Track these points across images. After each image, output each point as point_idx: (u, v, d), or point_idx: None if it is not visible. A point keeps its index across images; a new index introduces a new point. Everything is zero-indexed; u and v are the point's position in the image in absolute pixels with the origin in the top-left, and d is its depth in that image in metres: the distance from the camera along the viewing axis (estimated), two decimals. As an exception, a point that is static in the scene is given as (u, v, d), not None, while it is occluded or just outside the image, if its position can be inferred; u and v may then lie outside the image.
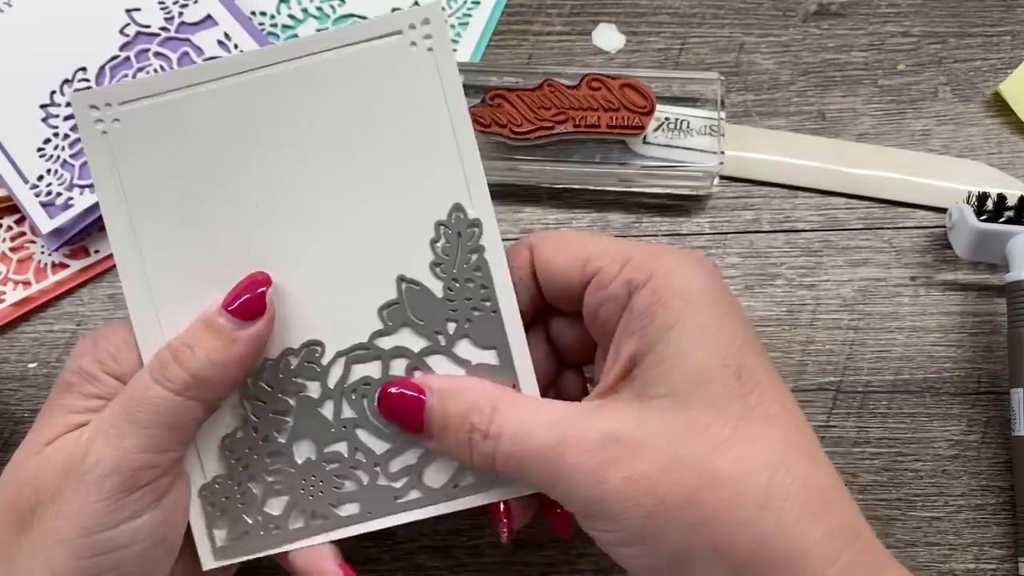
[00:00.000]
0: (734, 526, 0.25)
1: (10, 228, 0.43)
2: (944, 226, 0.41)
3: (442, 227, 0.31)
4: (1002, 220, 0.39)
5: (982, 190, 0.40)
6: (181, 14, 0.43)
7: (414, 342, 0.31)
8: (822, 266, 0.42)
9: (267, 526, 0.31)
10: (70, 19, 0.43)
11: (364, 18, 0.44)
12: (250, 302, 0.30)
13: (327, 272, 0.31)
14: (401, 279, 0.31)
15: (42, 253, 0.42)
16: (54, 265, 0.42)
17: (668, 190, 0.42)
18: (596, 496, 0.26)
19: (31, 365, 0.41)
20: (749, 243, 0.42)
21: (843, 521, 0.26)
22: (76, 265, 0.42)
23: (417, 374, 0.31)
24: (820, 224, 0.42)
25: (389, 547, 0.38)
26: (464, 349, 0.31)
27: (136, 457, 0.28)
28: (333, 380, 0.31)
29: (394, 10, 0.44)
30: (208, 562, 0.31)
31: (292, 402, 0.31)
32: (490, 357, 0.31)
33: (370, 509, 0.31)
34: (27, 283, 0.42)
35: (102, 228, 0.42)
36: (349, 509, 0.31)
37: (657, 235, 0.42)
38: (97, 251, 0.42)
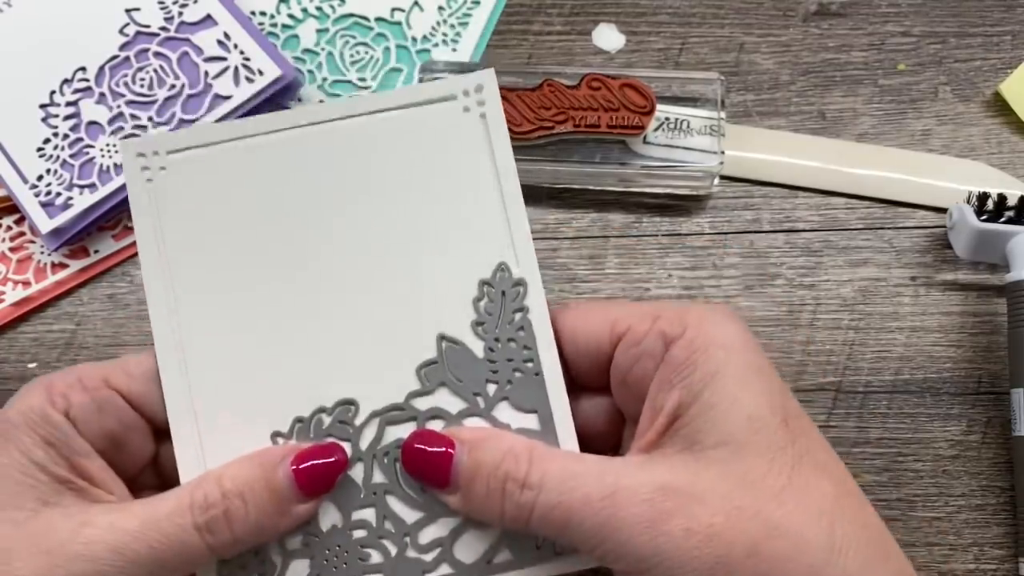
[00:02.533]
0: (801, 574, 0.25)
1: (10, 228, 0.43)
2: (944, 226, 0.41)
3: (486, 286, 0.30)
4: (1002, 220, 0.39)
5: (982, 190, 0.40)
6: (181, 14, 0.43)
7: (452, 403, 0.30)
8: (822, 266, 0.42)
9: None
10: (70, 19, 0.43)
11: (364, 18, 0.44)
12: (321, 480, 0.28)
13: (366, 329, 0.30)
14: (442, 338, 0.30)
15: (42, 253, 0.42)
16: (54, 265, 0.42)
17: (668, 190, 0.42)
18: (653, 549, 0.25)
19: (31, 365, 0.41)
20: (749, 243, 0.42)
21: (900, 569, 0.26)
22: (76, 265, 0.42)
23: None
24: (820, 224, 0.42)
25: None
26: (504, 412, 0.30)
27: None
28: (365, 442, 0.30)
29: (394, 10, 0.44)
30: None
31: None
32: (531, 421, 0.30)
33: None
34: (27, 283, 0.42)
35: (102, 228, 0.42)
36: None
37: (657, 235, 0.42)
38: (96, 251, 0.42)
